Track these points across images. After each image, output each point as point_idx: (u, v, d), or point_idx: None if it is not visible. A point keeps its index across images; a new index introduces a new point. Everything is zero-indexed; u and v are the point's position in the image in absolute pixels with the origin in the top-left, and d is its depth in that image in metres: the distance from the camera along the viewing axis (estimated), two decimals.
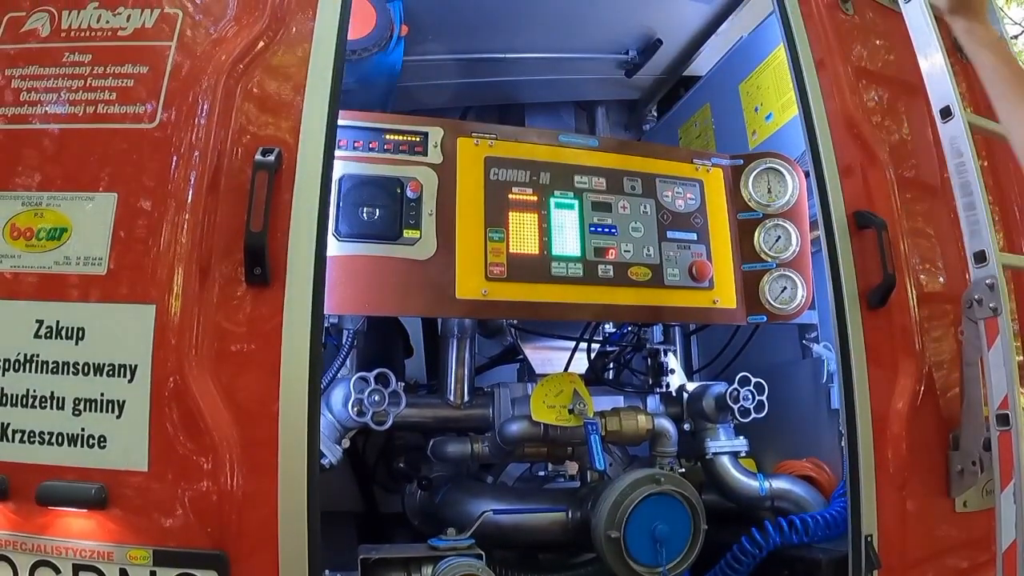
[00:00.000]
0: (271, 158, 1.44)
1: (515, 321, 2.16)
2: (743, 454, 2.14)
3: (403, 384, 2.01)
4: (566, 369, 2.04)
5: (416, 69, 2.59)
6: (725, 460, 2.11)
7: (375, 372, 1.67)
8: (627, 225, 1.84)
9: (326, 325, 1.92)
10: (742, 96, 2.51)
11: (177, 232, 1.45)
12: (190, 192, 1.47)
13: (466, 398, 2.00)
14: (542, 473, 2.15)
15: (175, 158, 1.51)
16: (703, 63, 2.87)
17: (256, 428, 1.39)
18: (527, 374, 2.21)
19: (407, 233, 1.65)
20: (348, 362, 1.86)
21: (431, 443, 1.98)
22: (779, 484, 2.08)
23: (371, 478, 2.47)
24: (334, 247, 1.62)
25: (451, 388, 2.00)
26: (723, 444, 2.10)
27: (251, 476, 1.36)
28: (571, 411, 1.78)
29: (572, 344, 2.13)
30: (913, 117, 2.13)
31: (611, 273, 1.78)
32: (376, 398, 1.67)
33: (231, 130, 1.52)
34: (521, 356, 2.27)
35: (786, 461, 2.22)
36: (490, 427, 1.99)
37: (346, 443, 1.79)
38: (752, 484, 2.08)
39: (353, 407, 1.66)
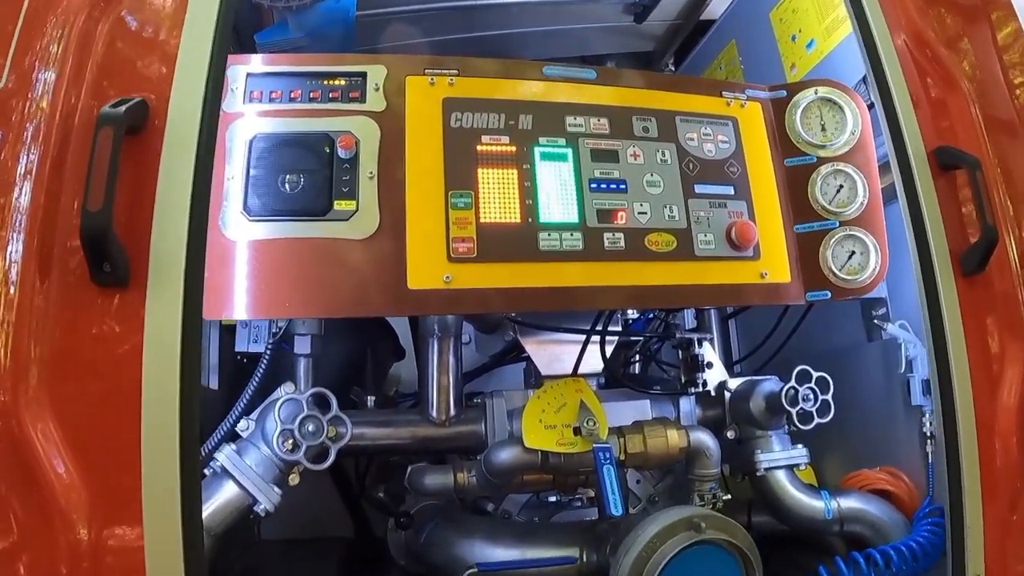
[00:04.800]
0: (121, 110, 0.97)
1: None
2: (802, 467, 1.61)
3: (372, 399, 1.55)
4: (575, 370, 1.52)
5: (391, 24, 2.08)
6: (780, 475, 1.61)
7: (308, 393, 1.19)
8: (640, 179, 1.30)
9: (274, 330, 1.47)
10: (775, 25, 1.99)
11: (9, 221, 1.00)
12: (27, 168, 1.02)
13: (452, 412, 1.51)
14: (553, 498, 1.65)
15: (20, 124, 1.05)
16: (722, 6, 2.31)
17: (112, 481, 0.94)
18: (533, 376, 1.70)
19: (339, 204, 1.16)
20: (303, 378, 1.38)
21: (408, 472, 1.49)
22: (849, 503, 1.60)
23: (359, 501, 1.99)
24: (241, 229, 1.14)
25: (432, 401, 1.51)
26: (777, 456, 1.60)
27: (109, 543, 0.92)
28: (577, 431, 1.27)
29: (585, 338, 1.60)
30: (977, 45, 1.61)
31: (622, 243, 1.25)
32: (311, 427, 1.18)
33: (86, 86, 1.07)
34: (524, 354, 1.76)
35: (856, 472, 1.71)
36: (483, 447, 1.50)
37: (295, 479, 1.32)
38: (815, 505, 1.59)
39: (282, 440, 1.18)
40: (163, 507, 0.92)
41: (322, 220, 1.14)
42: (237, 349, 1.53)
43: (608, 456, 1.19)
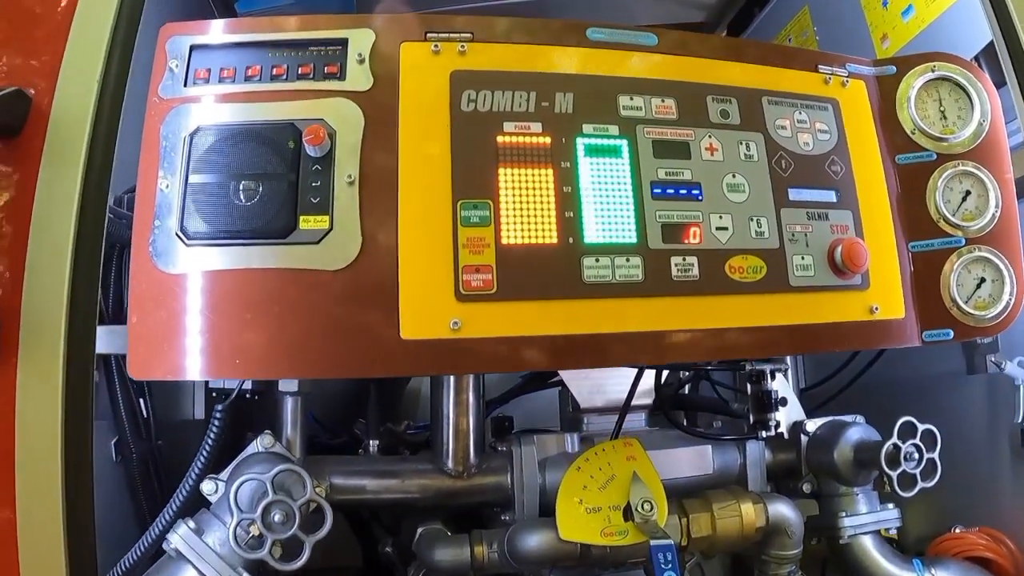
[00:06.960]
0: None
1: None
2: (892, 531, 1.29)
3: (375, 444, 1.21)
4: (622, 417, 1.14)
5: None
6: (867, 542, 1.27)
7: (275, 471, 0.83)
8: (719, 181, 0.91)
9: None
10: None
11: None
12: None
13: (472, 461, 1.15)
14: None
15: None
16: None
17: None
18: (570, 405, 1.33)
19: (306, 222, 0.79)
20: (290, 423, 1.02)
21: (416, 536, 1.14)
22: (946, 575, 1.24)
23: (369, 525, 1.65)
24: (177, 258, 0.78)
25: (447, 448, 1.16)
26: (865, 520, 1.26)
27: None
28: (628, 514, 0.90)
29: (632, 367, 1.22)
30: None
31: (695, 271, 0.86)
32: (278, 516, 0.83)
33: None
34: (557, 378, 1.39)
35: (953, 535, 1.34)
36: (509, 503, 1.14)
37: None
38: None
39: (242, 533, 0.83)
40: None
41: (282, 244, 0.78)
42: (211, 385, 1.19)
43: (670, 560, 0.82)
